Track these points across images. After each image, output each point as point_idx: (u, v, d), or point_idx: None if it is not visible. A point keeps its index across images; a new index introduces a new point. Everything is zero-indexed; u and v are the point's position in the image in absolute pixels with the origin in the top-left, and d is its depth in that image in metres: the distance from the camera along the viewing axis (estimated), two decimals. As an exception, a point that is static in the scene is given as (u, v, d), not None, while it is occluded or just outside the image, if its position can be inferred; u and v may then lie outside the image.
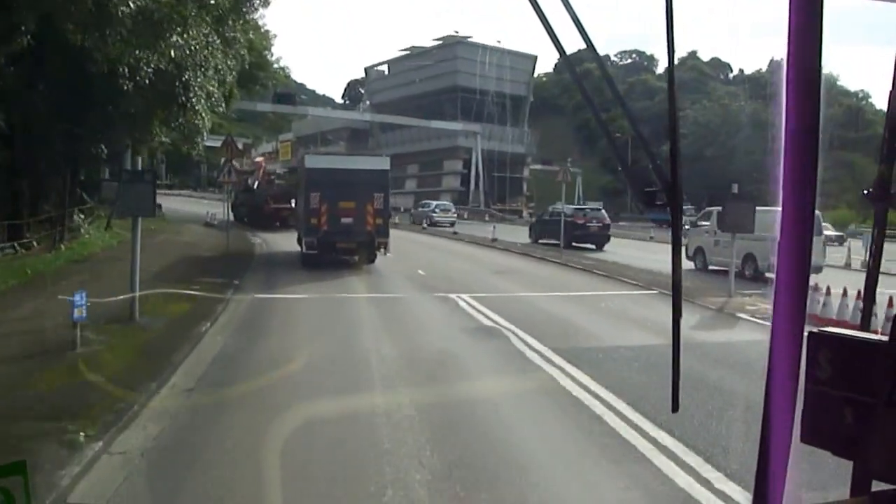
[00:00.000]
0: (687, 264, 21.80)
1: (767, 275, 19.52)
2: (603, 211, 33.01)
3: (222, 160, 23.19)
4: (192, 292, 14.46)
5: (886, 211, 1.40)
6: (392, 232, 20.89)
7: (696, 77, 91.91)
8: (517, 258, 25.65)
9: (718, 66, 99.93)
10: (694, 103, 69.93)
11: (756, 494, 1.21)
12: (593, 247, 29.58)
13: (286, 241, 27.42)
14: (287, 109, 59.03)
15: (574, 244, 29.32)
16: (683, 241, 20.95)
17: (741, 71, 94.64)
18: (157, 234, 29.59)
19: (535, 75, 71.57)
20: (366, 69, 77.05)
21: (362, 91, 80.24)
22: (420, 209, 47.04)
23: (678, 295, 1.38)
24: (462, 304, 14.32)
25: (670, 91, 1.41)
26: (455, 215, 45.86)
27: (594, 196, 60.12)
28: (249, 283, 16.75)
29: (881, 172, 1.37)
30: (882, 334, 1.12)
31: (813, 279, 12.87)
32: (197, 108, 17.41)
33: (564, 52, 1.41)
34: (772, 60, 67.19)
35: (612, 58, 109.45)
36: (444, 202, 49.97)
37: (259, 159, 46.38)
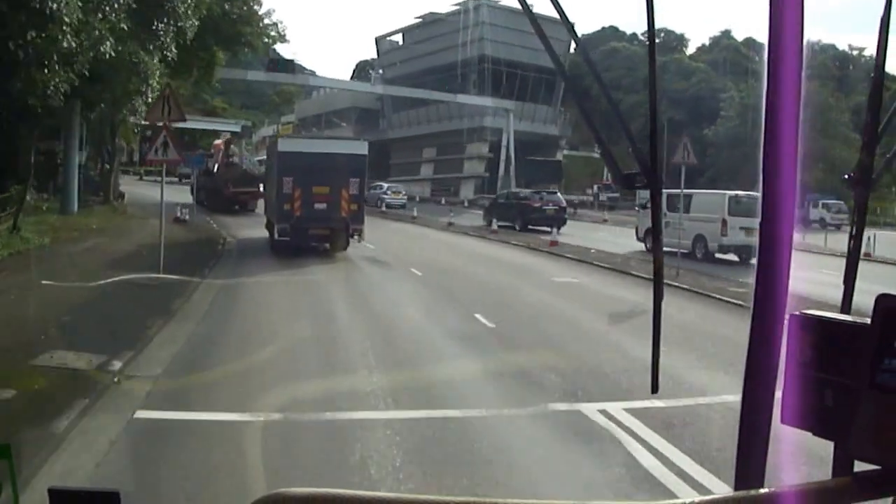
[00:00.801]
0: (638, 245, 22.52)
1: (717, 255, 19.99)
2: (559, 194, 32.95)
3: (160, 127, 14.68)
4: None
5: (867, 196, 1.42)
6: (412, 230, 20.72)
7: (731, 57, 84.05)
8: (615, 279, 17.19)
9: (753, 46, 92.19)
10: (738, 83, 61.53)
11: (737, 475, 1.22)
12: (549, 229, 27.95)
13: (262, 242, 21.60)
14: (284, 79, 50.28)
15: (530, 227, 29.36)
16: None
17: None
18: (92, 236, 21.42)
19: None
20: (377, 39, 67.83)
21: (373, 73, 71.49)
22: (371, 191, 43.03)
23: (659, 278, 1.37)
24: (638, 451, 5.73)
25: (651, 74, 1.38)
26: (405, 197, 45.81)
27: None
28: (154, 359, 8.22)
29: (862, 158, 1.37)
30: (864, 316, 1.04)
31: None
32: (61, 15, 8.84)
33: (543, 31, 1.38)
34: (807, 43, 64.50)
35: (640, 37, 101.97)
36: (395, 185, 49.09)
37: (218, 142, 42.02)
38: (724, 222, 19.89)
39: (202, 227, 27.25)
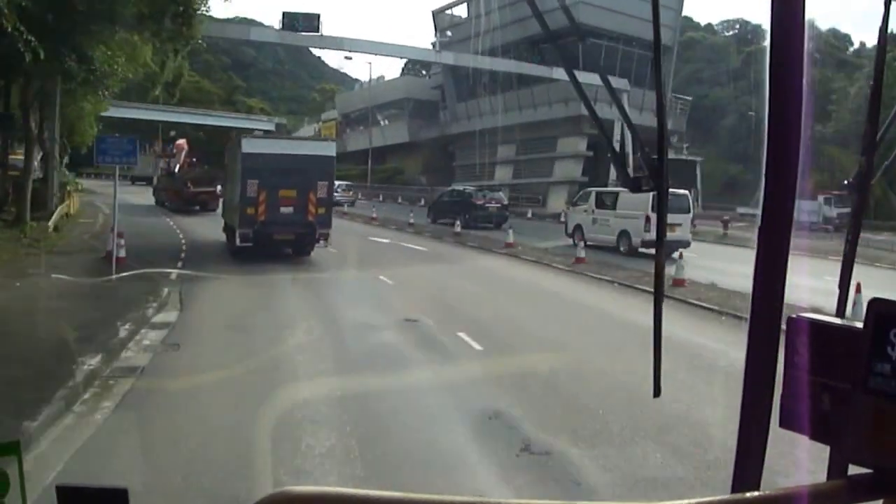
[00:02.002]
0: (567, 240, 23.10)
1: (641, 250, 20.88)
2: (501, 192, 33.87)
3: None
4: None
5: (866, 201, 1.42)
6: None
7: (825, 49, 71.60)
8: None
9: (838, 37, 79.64)
10: (835, 75, 49.97)
11: (735, 478, 1.24)
12: (491, 226, 29.00)
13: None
14: (305, 41, 37.06)
15: (476, 225, 29.14)
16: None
17: (862, 44, 74.83)
18: None
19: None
20: (434, 14, 53.62)
21: (435, 40, 57.46)
22: None
23: (660, 280, 1.36)
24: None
25: (657, 75, 1.38)
26: (353, 195, 43.83)
27: (717, 189, 43.67)
28: None
29: (862, 163, 1.38)
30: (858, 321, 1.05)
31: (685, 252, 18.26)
32: None
33: (546, 24, 1.35)
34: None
35: (715, 27, 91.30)
36: (345, 182, 44.58)
37: (181, 142, 40.66)
38: (648, 218, 20.85)
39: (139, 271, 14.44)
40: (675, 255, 17.85)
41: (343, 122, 65.74)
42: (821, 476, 1.07)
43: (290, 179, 17.91)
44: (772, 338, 1.22)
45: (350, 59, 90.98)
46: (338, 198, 40.89)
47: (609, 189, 24.71)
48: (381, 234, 27.13)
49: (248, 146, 18.68)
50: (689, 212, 21.65)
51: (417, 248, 23.20)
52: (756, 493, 1.01)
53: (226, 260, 18.58)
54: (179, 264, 16.96)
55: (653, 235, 20.66)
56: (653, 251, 23.84)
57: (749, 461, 1.23)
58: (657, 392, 1.36)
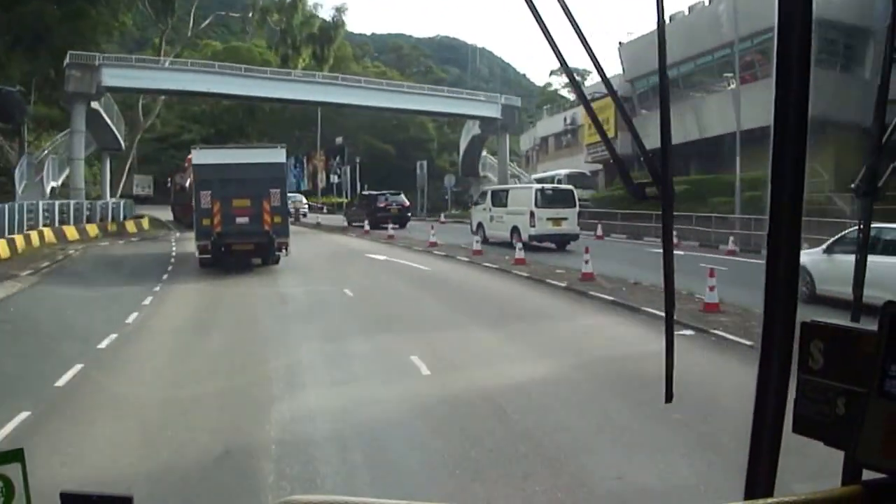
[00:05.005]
0: (473, 238, 24.08)
1: (535, 244, 21.60)
2: (402, 196, 35.50)
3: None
4: None
5: (872, 205, 1.39)
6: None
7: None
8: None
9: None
10: None
11: (748, 483, 1.23)
12: (397, 226, 30.08)
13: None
14: None
15: (381, 225, 30.56)
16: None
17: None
18: None
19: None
20: None
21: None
22: None
23: (670, 287, 1.35)
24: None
25: (662, 83, 1.33)
26: (307, 206, 46.25)
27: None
28: None
29: (868, 167, 1.35)
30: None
31: (572, 245, 21.53)
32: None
33: (561, 55, 1.32)
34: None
35: None
36: (296, 195, 44.42)
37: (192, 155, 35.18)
38: (532, 214, 21.80)
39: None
40: (568, 247, 21.47)
41: (633, 95, 37.13)
42: (835, 481, 1.03)
43: (242, 189, 17.95)
44: (785, 343, 1.18)
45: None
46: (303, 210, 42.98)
47: (502, 187, 27.22)
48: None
49: (199, 157, 18.99)
50: (574, 206, 22.34)
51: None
52: (770, 500, 0.98)
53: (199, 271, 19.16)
54: (165, 276, 17.82)
55: (537, 230, 21.88)
56: (543, 244, 22.57)
57: (762, 467, 1.20)
58: (669, 398, 1.31)
